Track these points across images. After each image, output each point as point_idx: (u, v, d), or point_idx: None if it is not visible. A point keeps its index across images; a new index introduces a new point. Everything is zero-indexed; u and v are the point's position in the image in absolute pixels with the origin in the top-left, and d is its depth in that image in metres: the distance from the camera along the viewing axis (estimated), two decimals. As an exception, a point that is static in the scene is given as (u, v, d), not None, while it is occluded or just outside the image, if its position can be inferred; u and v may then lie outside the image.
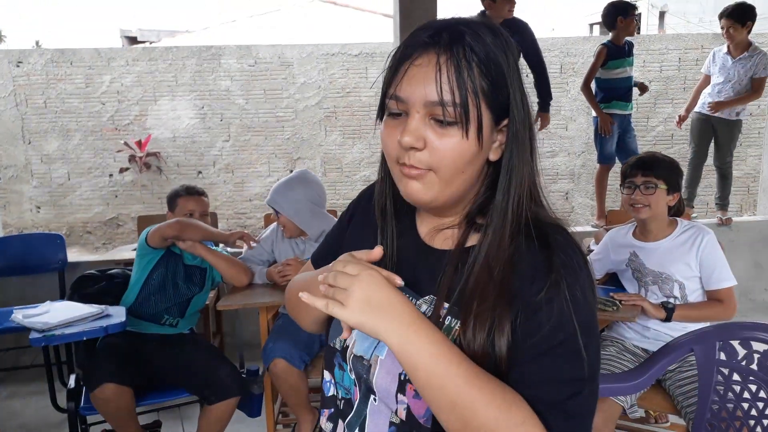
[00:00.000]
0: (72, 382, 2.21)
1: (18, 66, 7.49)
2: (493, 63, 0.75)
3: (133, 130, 7.73)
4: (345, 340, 0.86)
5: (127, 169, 7.75)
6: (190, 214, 2.44)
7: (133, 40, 17.92)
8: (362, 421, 0.84)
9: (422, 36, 0.77)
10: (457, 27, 0.76)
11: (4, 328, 2.75)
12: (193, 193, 2.54)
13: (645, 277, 2.14)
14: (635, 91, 4.40)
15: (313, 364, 2.28)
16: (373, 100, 7.92)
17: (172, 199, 2.53)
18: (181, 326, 2.41)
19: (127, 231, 8.02)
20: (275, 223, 2.59)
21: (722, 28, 4.09)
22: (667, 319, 2.04)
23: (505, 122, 0.78)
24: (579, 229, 4.76)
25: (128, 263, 2.82)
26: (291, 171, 8.07)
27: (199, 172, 7.97)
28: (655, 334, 2.11)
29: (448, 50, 0.74)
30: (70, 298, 2.35)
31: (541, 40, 4.00)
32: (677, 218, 2.16)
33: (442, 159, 0.75)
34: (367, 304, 0.71)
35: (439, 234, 0.85)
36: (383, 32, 10.09)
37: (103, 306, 2.12)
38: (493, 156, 0.80)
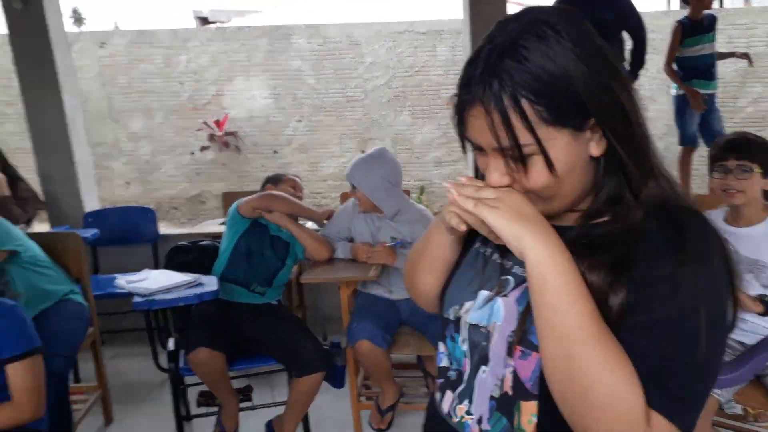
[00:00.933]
0: (171, 345, 2.39)
1: (102, 47, 7.89)
2: (545, 77, 0.71)
3: (211, 109, 8.01)
4: (458, 311, 0.89)
5: (207, 147, 8.05)
6: None
7: (204, 21, 18.42)
8: (471, 393, 0.87)
9: (469, 75, 0.76)
10: (500, 55, 0.73)
11: (110, 293, 3.02)
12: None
13: (739, 265, 2.07)
14: (741, 62, 4.19)
15: (394, 340, 2.38)
16: (443, 79, 7.87)
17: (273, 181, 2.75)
18: (269, 296, 2.54)
19: (210, 208, 8.36)
20: (352, 199, 2.66)
21: None
22: (765, 314, 1.95)
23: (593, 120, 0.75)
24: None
25: (216, 236, 2.99)
26: (362, 152, 8.13)
27: (275, 152, 8.18)
28: (752, 326, 2.00)
29: (491, 95, 0.72)
30: (166, 267, 2.53)
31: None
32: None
33: (534, 186, 0.76)
34: (516, 212, 0.73)
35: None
36: (451, 8, 9.94)
37: (196, 275, 2.28)
38: (596, 151, 0.77)
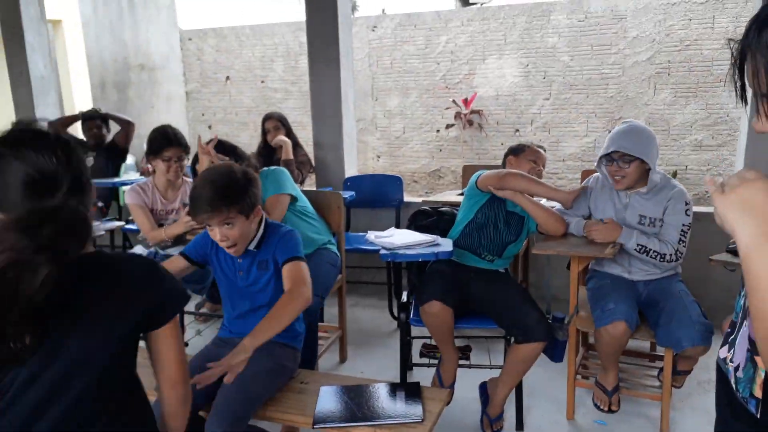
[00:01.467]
0: (404, 297, 2.63)
1: (373, 31, 8.68)
2: None
3: (461, 88, 8.30)
4: None
5: (452, 125, 8.41)
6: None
7: (466, 2, 18.92)
8: (735, 343, 0.97)
9: (749, 24, 0.87)
10: None
11: (357, 249, 3.42)
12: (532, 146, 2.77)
13: None
14: None
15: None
16: (718, 54, 6.95)
17: (521, 147, 2.75)
18: (497, 264, 2.62)
19: (447, 183, 8.77)
20: (595, 176, 2.59)
21: None
22: None
23: None
24: None
25: (454, 204, 3.16)
26: (610, 132, 7.69)
27: (517, 131, 8.18)
28: None
29: (758, 43, 0.84)
30: (408, 227, 2.77)
31: None
32: None
33: None
34: (742, 201, 0.79)
35: None
36: (742, -26, 8.63)
37: (434, 236, 2.46)
38: None
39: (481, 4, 13.51)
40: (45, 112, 4.89)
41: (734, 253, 2.17)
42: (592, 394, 2.45)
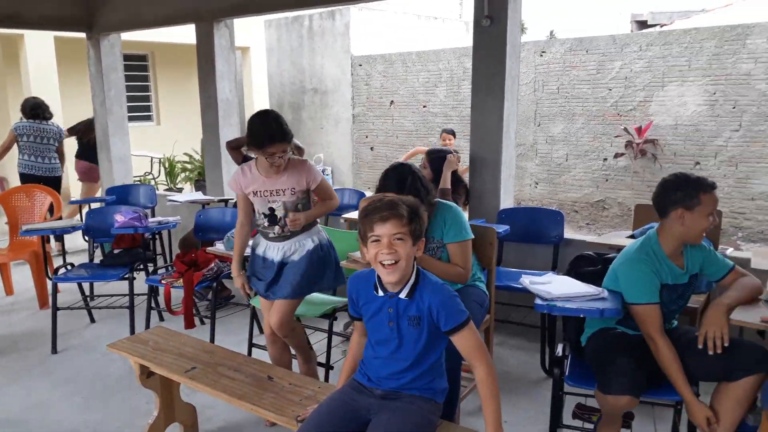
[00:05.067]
0: (559, 350, 2.41)
1: (541, 56, 8.41)
2: None
3: (635, 116, 7.71)
4: None
5: (622, 154, 7.83)
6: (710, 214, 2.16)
7: (642, 24, 17.71)
8: None
9: None
10: None
11: (507, 286, 3.24)
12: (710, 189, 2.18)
13: None
14: None
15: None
16: None
17: (693, 196, 2.15)
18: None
19: (611, 215, 8.16)
20: None
21: None
22: None
23: None
24: None
25: (621, 249, 2.86)
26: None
27: (697, 163, 7.39)
28: None
29: None
30: (567, 274, 2.55)
31: None
32: None
33: None
34: None
35: None
36: None
37: (599, 288, 2.22)
38: None
39: (661, 27, 12.54)
40: (227, 132, 5.37)
41: None
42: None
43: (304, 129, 10.82)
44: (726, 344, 2.03)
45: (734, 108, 6.98)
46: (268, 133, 2.57)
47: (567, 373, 2.31)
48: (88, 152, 6.44)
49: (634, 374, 2.05)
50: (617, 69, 7.78)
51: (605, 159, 8.12)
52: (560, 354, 2.39)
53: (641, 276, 2.14)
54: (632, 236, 3.22)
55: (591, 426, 2.36)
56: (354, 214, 3.92)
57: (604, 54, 7.86)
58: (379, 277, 1.84)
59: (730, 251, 3.07)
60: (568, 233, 3.85)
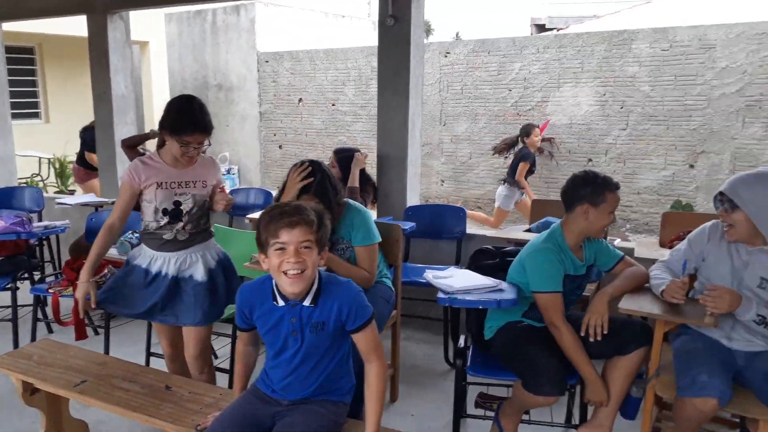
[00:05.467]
0: (461, 341, 2.48)
1: (446, 56, 8.61)
2: None
3: (533, 115, 8.08)
4: None
5: (521, 152, 8.18)
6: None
7: (541, 28, 18.61)
8: None
9: None
10: None
11: (413, 281, 3.29)
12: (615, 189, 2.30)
13: None
14: None
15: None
16: (819, 88, 6.43)
17: (599, 193, 2.25)
18: None
19: (511, 211, 8.52)
20: (711, 222, 2.23)
21: None
22: None
23: None
24: None
25: (519, 243, 2.99)
26: (691, 166, 7.26)
27: (589, 160, 7.85)
28: None
29: None
30: (468, 268, 2.62)
31: None
32: None
33: None
34: None
35: None
36: None
37: (497, 280, 2.30)
38: None
39: (558, 31, 13.23)
40: (122, 130, 5.08)
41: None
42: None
43: (209, 127, 10.46)
44: (605, 331, 2.16)
45: (622, 108, 7.48)
46: (190, 119, 2.30)
47: (469, 364, 2.38)
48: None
49: (559, 373, 2.13)
50: (517, 70, 8.11)
51: (506, 157, 8.44)
52: (463, 346, 2.45)
53: (547, 265, 2.23)
54: (529, 230, 3.36)
55: (492, 413, 2.44)
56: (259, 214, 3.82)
57: (505, 56, 8.18)
58: (277, 286, 1.76)
59: (617, 242, 3.29)
60: (471, 229, 3.98)
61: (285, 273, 1.67)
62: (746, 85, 6.79)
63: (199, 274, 2.42)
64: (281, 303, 1.76)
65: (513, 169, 6.46)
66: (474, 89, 8.47)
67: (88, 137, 5.97)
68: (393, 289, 2.77)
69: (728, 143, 7.00)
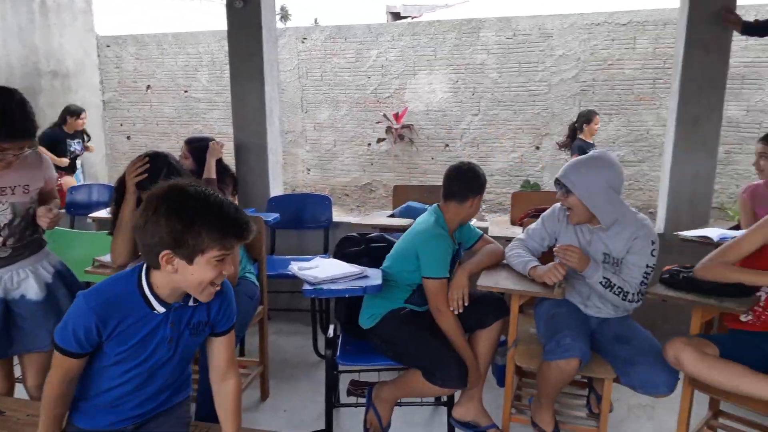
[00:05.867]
0: (331, 331, 2.44)
1: (303, 42, 8.48)
2: None
3: (392, 102, 8.23)
4: None
5: (383, 139, 8.32)
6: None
7: (396, 16, 19.05)
8: None
9: None
10: None
11: (281, 274, 3.20)
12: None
13: None
14: None
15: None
16: (639, 73, 7.21)
17: (484, 184, 2.39)
18: None
19: (378, 196, 8.66)
20: (558, 204, 2.37)
21: None
22: None
23: None
24: None
25: (384, 228, 3.01)
26: (537, 147, 7.84)
27: (447, 146, 8.19)
28: None
29: None
30: (335, 256, 2.58)
31: None
32: None
33: None
34: None
35: None
36: (657, -2, 9.04)
37: (362, 267, 2.28)
38: None
39: (411, 19, 13.60)
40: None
41: (668, 284, 2.11)
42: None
43: (43, 117, 9.38)
44: (467, 303, 2.25)
45: (473, 95, 7.87)
46: (6, 122, 1.89)
47: (339, 353, 2.35)
48: None
49: (463, 364, 2.17)
50: (374, 57, 8.20)
51: (369, 144, 8.54)
52: (332, 335, 2.42)
53: (442, 252, 2.26)
54: (392, 215, 3.40)
55: (364, 400, 2.44)
56: (103, 213, 3.47)
57: (362, 42, 8.23)
58: (153, 292, 1.46)
59: (474, 221, 3.43)
60: (339, 216, 3.95)
61: (212, 284, 1.43)
62: (580, 72, 7.44)
63: (33, 291, 2.10)
64: (161, 309, 1.48)
65: None
66: (334, 76, 8.45)
67: None
68: (257, 284, 2.66)
69: (567, 125, 7.63)
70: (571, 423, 2.46)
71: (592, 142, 5.48)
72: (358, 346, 2.42)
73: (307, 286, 2.14)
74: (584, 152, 5.32)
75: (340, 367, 2.43)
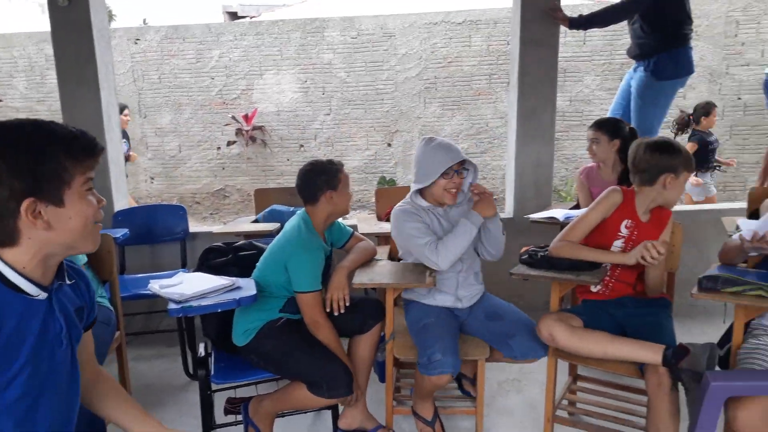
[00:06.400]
0: (201, 350, 2.28)
1: (136, 43, 7.90)
2: None
3: (240, 104, 7.98)
4: None
5: (234, 142, 8.03)
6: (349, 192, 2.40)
7: (233, 15, 18.48)
8: None
9: None
10: None
11: (140, 294, 2.93)
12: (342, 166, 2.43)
13: None
14: None
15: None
16: (476, 70, 7.69)
17: (334, 176, 2.30)
18: None
19: (233, 202, 8.35)
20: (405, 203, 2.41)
21: None
22: None
23: None
24: (696, 207, 4.38)
25: (249, 235, 2.88)
26: (389, 144, 8.06)
27: (301, 146, 8.12)
28: None
29: None
30: (199, 269, 2.42)
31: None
32: None
33: None
34: None
35: None
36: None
37: (232, 278, 2.15)
38: None
39: (251, 18, 13.28)
40: None
41: (528, 264, 2.26)
42: (415, 425, 2.37)
43: None
44: (348, 304, 2.23)
45: (324, 94, 7.88)
46: None
47: (213, 372, 2.21)
48: None
49: (348, 372, 2.13)
50: (216, 58, 7.88)
51: (219, 148, 8.20)
52: (203, 354, 2.26)
53: (312, 264, 2.18)
54: (257, 220, 3.27)
55: (241, 416, 2.32)
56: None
57: (202, 42, 7.87)
58: (20, 273, 1.10)
59: (339, 220, 3.42)
60: (194, 226, 3.72)
61: (96, 223, 1.17)
62: (423, 70, 7.76)
63: None
64: (41, 294, 1.13)
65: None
66: (173, 78, 7.98)
67: None
68: (111, 308, 2.41)
69: (415, 122, 7.94)
70: (449, 407, 2.54)
71: (710, 132, 5.39)
72: (232, 361, 2.29)
73: (172, 305, 1.97)
74: (705, 142, 5.12)
75: (215, 386, 2.28)
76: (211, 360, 2.32)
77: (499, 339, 2.24)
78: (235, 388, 2.50)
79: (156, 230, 3.52)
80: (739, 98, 7.47)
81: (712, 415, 1.58)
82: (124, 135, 5.50)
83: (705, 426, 1.59)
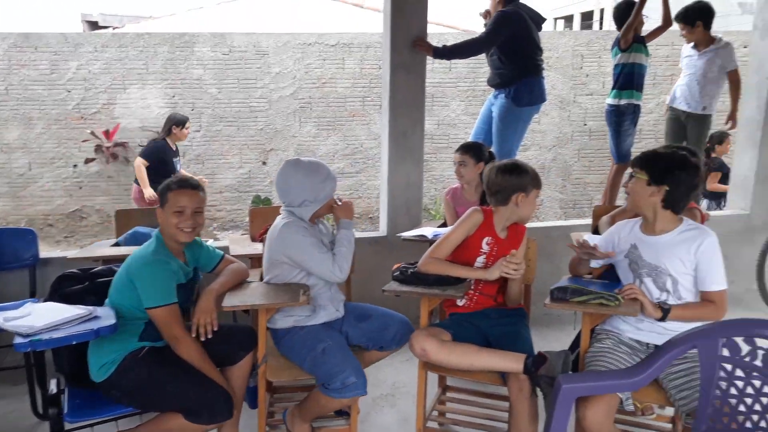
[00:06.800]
0: (53, 386, 2.09)
1: (-23, 50, 7.15)
2: None
3: (101, 119, 7.47)
4: None
5: (92, 159, 7.49)
6: (181, 211, 2.15)
7: (94, 25, 17.35)
8: None
9: None
10: None
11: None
12: (186, 186, 2.20)
13: (640, 269, 2.16)
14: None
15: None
16: (350, 92, 7.84)
17: (163, 194, 2.20)
18: None
19: (92, 224, 7.76)
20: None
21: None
22: (662, 319, 2.05)
23: None
24: (548, 224, 4.79)
25: (108, 260, 2.69)
26: (264, 162, 7.94)
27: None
28: (649, 326, 2.12)
29: None
30: (50, 299, 2.22)
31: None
32: (684, 217, 2.16)
33: None
34: None
35: None
36: (361, 22, 9.98)
37: (90, 307, 2.00)
38: None
39: (113, 29, 12.55)
40: None
41: (399, 280, 2.33)
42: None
43: None
44: (215, 329, 2.15)
45: (193, 110, 7.60)
46: None
47: (66, 410, 2.02)
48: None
49: (226, 393, 2.05)
50: (74, 69, 7.34)
51: (75, 165, 7.61)
52: (55, 391, 2.07)
53: (160, 277, 2.07)
54: (117, 243, 3.07)
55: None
56: None
57: (57, 53, 7.29)
58: None
59: (211, 242, 3.30)
60: (45, 251, 3.41)
61: None
62: (298, 89, 7.77)
63: None
64: None
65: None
66: (23, 90, 7.30)
67: None
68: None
69: (291, 140, 7.91)
70: (323, 426, 2.52)
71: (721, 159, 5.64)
72: (89, 397, 2.12)
73: (19, 339, 1.79)
74: (725, 168, 5.21)
75: (68, 425, 2.10)
76: (65, 397, 2.13)
77: (376, 336, 2.33)
78: (92, 425, 2.31)
79: (2, 256, 3.17)
80: (585, 124, 8.28)
81: (563, 414, 1.73)
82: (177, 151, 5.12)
83: (558, 425, 1.73)
